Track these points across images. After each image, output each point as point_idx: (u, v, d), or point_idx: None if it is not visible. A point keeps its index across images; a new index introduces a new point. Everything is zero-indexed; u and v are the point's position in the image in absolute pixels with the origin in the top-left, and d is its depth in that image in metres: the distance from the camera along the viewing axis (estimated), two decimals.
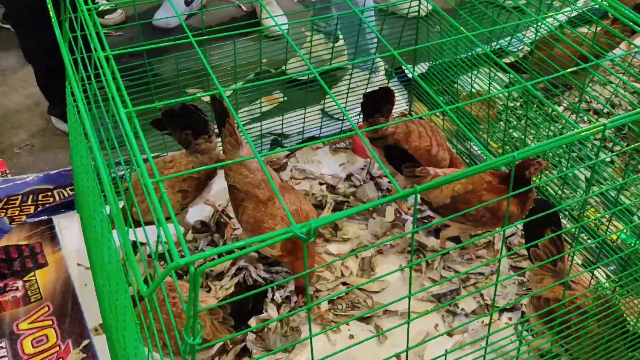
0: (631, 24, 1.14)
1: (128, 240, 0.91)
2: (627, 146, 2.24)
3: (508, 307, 1.76)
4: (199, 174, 1.69)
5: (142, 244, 1.87)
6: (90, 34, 1.04)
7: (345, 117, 2.39)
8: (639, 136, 1.69)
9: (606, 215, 1.85)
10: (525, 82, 2.23)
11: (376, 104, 1.88)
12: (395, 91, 2.52)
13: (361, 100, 1.94)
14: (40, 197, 2.10)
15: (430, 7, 2.19)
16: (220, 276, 1.81)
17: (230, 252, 0.75)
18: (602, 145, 1.52)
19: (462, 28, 1.18)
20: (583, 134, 0.87)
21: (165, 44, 1.24)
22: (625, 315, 1.44)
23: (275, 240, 0.74)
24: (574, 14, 2.70)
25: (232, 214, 2.00)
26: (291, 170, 2.19)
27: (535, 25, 2.02)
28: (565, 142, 0.87)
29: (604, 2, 1.17)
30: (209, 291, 1.77)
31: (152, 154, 2.15)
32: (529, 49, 2.59)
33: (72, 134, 1.81)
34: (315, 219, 0.75)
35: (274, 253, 1.65)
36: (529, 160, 1.61)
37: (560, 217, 1.95)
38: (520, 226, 1.94)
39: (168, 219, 1.74)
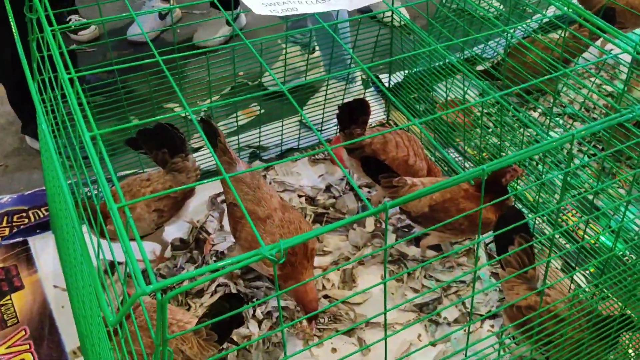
0: (594, 29, 1.16)
1: (93, 267, 0.89)
2: (601, 150, 2.27)
3: (490, 315, 1.77)
4: (175, 193, 1.68)
5: (119, 263, 1.86)
6: (55, 56, 1.02)
7: (323, 127, 2.40)
8: (610, 141, 1.71)
9: (583, 221, 1.86)
10: (500, 88, 2.26)
11: (352, 115, 1.88)
12: (372, 100, 2.54)
13: (337, 112, 1.94)
14: (15, 219, 2.07)
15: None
16: (200, 293, 1.79)
17: (198, 276, 0.73)
18: (571, 158, 1.53)
19: (434, 42, 1.18)
20: (553, 144, 0.88)
21: (135, 63, 1.23)
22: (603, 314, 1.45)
23: (245, 262, 0.73)
24: (545, 20, 2.73)
25: (210, 230, 1.99)
26: (270, 183, 2.18)
27: (505, 36, 2.03)
28: (534, 153, 0.87)
29: (569, 10, 1.18)
30: (188, 309, 1.75)
31: (128, 172, 2.14)
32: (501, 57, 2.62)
33: (43, 154, 1.78)
34: (285, 240, 0.74)
35: (271, 272, 1.62)
36: (505, 168, 1.62)
37: (539, 222, 1.97)
38: None
39: (144, 236, 1.71)
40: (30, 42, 1.42)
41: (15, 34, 1.33)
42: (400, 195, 1.75)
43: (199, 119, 1.72)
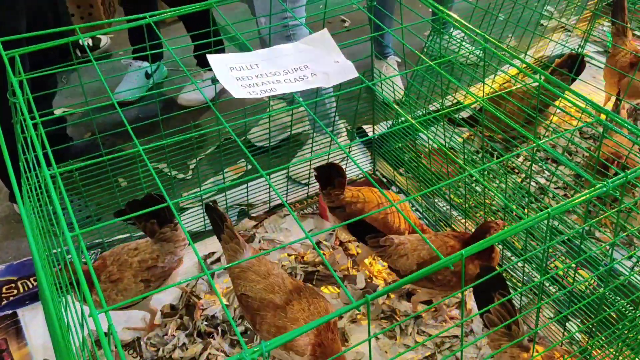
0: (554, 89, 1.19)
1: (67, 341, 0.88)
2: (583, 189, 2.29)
3: None
4: (163, 262, 1.68)
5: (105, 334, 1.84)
6: (35, 150, 1.03)
7: (310, 182, 2.41)
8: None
9: (568, 266, 1.87)
10: (481, 134, 2.28)
11: (328, 178, 1.91)
12: (358, 152, 2.57)
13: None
14: (4, 290, 2.05)
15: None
16: None
17: None
18: (549, 231, 1.55)
19: (409, 117, 1.20)
20: (530, 223, 0.89)
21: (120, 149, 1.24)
22: None
23: None
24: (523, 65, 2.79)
25: (201, 293, 1.98)
26: (259, 242, 2.18)
27: (483, 84, 2.07)
28: (512, 233, 0.88)
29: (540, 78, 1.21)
30: None
31: (117, 236, 2.14)
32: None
33: (23, 218, 1.79)
34: (267, 342, 0.75)
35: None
36: (489, 223, 1.63)
37: (528, 269, 1.98)
38: None
39: (131, 305, 1.69)
40: (14, 124, 1.43)
41: None
42: (388, 255, 1.76)
43: (207, 203, 1.72)
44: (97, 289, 0.81)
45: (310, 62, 1.29)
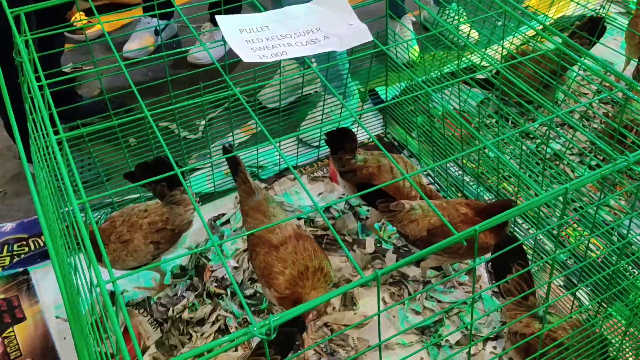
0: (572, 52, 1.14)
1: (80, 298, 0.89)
2: (602, 160, 2.25)
3: (492, 335, 1.76)
4: (173, 225, 1.67)
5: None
6: (42, 117, 1.01)
7: (321, 144, 2.39)
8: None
9: (588, 239, 1.85)
10: (497, 98, 2.23)
11: (339, 142, 1.88)
12: (370, 115, 2.53)
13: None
14: (15, 247, 2.07)
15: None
16: (201, 322, 1.79)
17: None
18: (565, 205, 1.52)
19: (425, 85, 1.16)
20: (546, 198, 0.87)
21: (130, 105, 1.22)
22: (607, 339, 1.44)
23: (236, 342, 0.72)
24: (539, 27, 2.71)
25: (210, 256, 1.99)
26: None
27: (502, 42, 2.01)
28: (529, 208, 0.86)
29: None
30: (190, 338, 1.75)
31: (127, 197, 2.14)
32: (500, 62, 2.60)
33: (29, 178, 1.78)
34: (275, 316, 0.74)
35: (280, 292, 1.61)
36: (509, 201, 1.62)
37: (540, 237, 1.96)
38: None
39: (140, 267, 1.71)
40: (21, 84, 1.41)
41: None
42: (398, 220, 1.74)
43: (224, 146, 1.78)
44: (105, 260, 0.80)
45: (323, 25, 1.25)
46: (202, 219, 0.93)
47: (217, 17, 1.23)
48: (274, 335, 0.73)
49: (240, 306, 1.83)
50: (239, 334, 0.72)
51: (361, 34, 1.24)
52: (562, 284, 1.89)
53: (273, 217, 1.69)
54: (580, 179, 0.88)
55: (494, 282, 1.56)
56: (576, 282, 1.81)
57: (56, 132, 0.98)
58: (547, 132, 1.71)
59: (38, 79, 1.14)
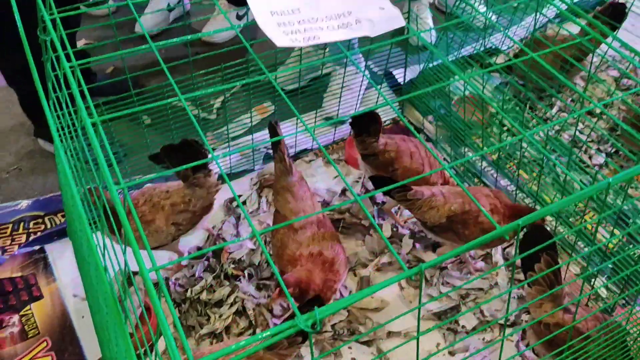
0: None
1: (104, 277, 0.88)
2: (622, 145, 2.23)
3: (508, 323, 1.77)
4: (195, 207, 1.67)
5: (135, 272, 1.85)
6: (74, 93, 1.00)
7: (338, 125, 2.37)
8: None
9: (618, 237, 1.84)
10: (517, 82, 2.19)
11: (363, 125, 1.86)
12: (387, 95, 2.50)
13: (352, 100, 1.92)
14: (31, 225, 2.07)
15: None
16: (219, 304, 1.79)
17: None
18: (604, 202, 1.49)
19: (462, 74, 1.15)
20: (589, 193, 0.85)
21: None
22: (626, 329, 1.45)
23: (280, 336, 0.72)
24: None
25: (227, 236, 1.98)
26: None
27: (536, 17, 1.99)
28: (572, 201, 0.85)
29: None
30: (208, 319, 1.76)
31: (147, 176, 2.13)
32: (519, 48, 2.57)
33: (57, 156, 1.77)
34: (321, 309, 0.73)
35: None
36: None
37: (558, 224, 1.95)
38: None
39: (159, 247, 1.70)
40: (44, 62, 1.39)
41: (26, 49, 1.30)
42: (417, 206, 1.73)
43: (270, 122, 1.76)
44: (145, 244, 0.79)
45: (355, 8, 1.23)
46: (233, 191, 0.91)
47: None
48: (319, 328, 0.73)
49: (258, 288, 1.83)
50: (284, 327, 0.72)
51: (393, 19, 1.21)
52: (578, 271, 1.89)
53: (301, 201, 1.70)
54: (623, 173, 0.87)
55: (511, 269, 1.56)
56: (596, 273, 1.80)
57: (89, 113, 0.96)
58: (577, 123, 1.68)
59: (67, 58, 1.12)
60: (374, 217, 2.06)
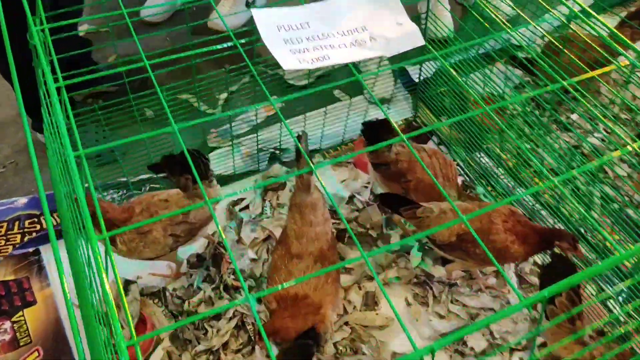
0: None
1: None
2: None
3: (519, 346, 1.69)
4: (194, 219, 1.59)
5: (131, 282, 1.78)
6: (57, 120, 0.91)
7: (346, 126, 2.27)
8: None
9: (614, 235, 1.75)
10: (537, 84, 2.06)
11: (376, 133, 1.76)
12: (399, 95, 2.40)
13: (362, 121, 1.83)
14: (27, 224, 2.00)
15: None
16: (217, 317, 1.72)
17: None
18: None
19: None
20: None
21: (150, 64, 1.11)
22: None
23: None
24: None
25: (228, 243, 1.90)
26: (290, 190, 2.08)
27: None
28: (609, 267, 0.76)
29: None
30: (205, 334, 1.69)
31: (142, 176, 2.05)
32: (541, 44, 2.44)
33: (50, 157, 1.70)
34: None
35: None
36: (565, 236, 1.51)
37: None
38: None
39: (157, 257, 1.63)
40: (35, 68, 1.31)
41: (9, 52, 1.22)
42: (426, 224, 1.65)
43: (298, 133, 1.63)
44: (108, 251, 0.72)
45: (369, 23, 1.12)
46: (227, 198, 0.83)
47: (253, 11, 1.11)
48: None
49: (259, 302, 1.76)
50: None
51: (411, 37, 1.11)
52: (594, 292, 1.80)
53: (309, 225, 1.56)
54: None
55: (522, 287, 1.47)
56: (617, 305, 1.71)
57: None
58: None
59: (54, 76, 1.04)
60: (381, 227, 1.97)
